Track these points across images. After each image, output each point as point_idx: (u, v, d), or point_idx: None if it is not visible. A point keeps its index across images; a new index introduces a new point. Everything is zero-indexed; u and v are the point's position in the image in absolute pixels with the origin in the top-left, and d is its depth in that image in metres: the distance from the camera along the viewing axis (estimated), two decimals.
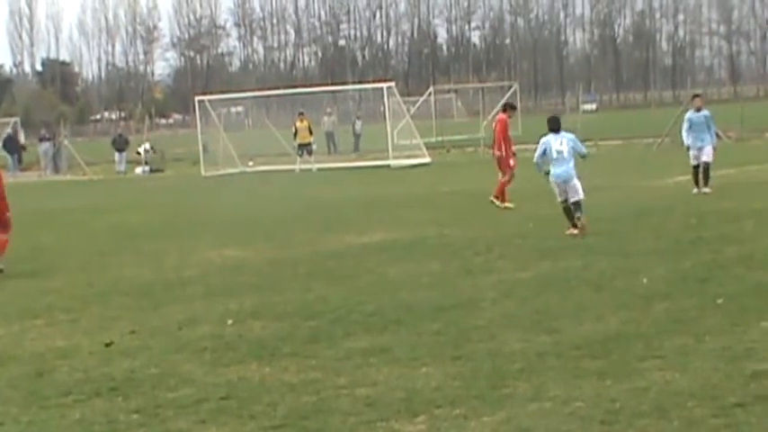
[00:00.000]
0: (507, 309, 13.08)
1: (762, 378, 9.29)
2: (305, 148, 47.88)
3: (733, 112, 56.43)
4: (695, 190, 25.71)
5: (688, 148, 26.47)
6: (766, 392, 8.88)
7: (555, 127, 20.53)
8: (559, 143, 20.30)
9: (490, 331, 11.79)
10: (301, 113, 49.96)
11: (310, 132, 48.55)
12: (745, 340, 10.70)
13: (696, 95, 28.30)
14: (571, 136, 20.81)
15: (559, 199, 20.40)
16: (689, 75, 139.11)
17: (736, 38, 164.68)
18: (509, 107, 27.59)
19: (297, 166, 47.06)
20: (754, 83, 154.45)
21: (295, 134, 48.39)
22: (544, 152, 20.39)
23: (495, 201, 25.26)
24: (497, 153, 26.21)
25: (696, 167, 26.04)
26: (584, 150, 21.01)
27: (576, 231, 19.69)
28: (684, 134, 26.52)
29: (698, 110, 26.49)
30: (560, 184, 20.24)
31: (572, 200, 20.07)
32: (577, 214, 19.84)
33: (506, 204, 25.11)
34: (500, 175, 25.96)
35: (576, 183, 20.15)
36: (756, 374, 9.41)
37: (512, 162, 25.99)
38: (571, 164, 20.23)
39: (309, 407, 9.31)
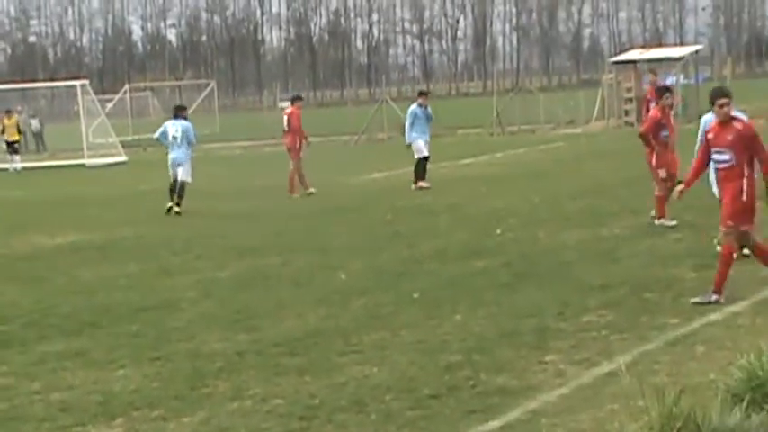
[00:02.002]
0: (206, 308, 13.00)
1: (455, 369, 9.53)
2: (14, 145, 46.47)
3: None
4: (425, 184, 26.27)
5: (410, 145, 27.15)
6: (459, 383, 9.12)
7: (176, 113, 24.24)
8: (175, 129, 23.75)
9: (189, 331, 11.69)
10: (9, 111, 48.51)
11: (19, 131, 47.23)
12: (439, 333, 10.96)
13: (423, 92, 29.25)
14: (187, 124, 23.97)
15: (172, 180, 23.65)
16: (383, 73, 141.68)
17: (428, 37, 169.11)
18: (298, 99, 27.94)
19: (13, 165, 45.53)
20: (446, 81, 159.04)
21: (2, 132, 46.88)
22: (164, 135, 23.88)
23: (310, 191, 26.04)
24: (290, 143, 26.47)
25: (424, 160, 26.71)
26: (193, 139, 24.15)
27: (178, 209, 23.11)
28: (408, 128, 27.11)
29: (420, 105, 27.28)
30: (174, 166, 23.64)
31: (181, 179, 23.45)
32: (179, 194, 23.31)
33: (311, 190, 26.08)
34: (292, 164, 26.46)
35: (187, 166, 23.70)
36: (450, 366, 9.65)
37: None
38: (183, 149, 23.69)
39: (1, 414, 9.00)
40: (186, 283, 14.78)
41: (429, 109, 27.42)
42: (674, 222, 17.06)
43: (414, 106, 27.53)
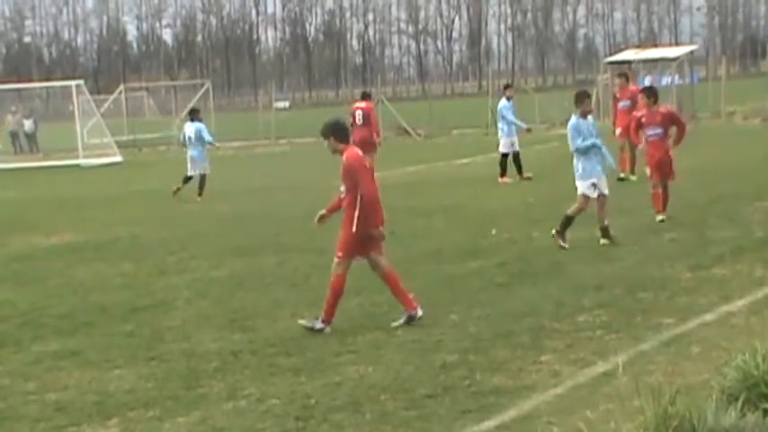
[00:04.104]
0: (202, 308, 12.99)
1: (450, 369, 9.54)
2: None
3: (422, 109, 57.93)
4: (508, 179, 26.37)
5: (529, 129, 28.41)
6: (454, 383, 9.12)
7: (193, 117, 27.26)
8: (191, 130, 26.51)
9: (185, 331, 11.69)
10: None
11: None
12: (434, 333, 10.96)
13: (509, 85, 29.15)
14: (201, 125, 26.76)
15: (188, 173, 26.32)
16: (379, 73, 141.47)
17: (423, 37, 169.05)
18: (369, 95, 29.21)
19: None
20: (441, 81, 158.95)
21: None
22: (183, 136, 26.84)
23: None
24: (367, 137, 26.42)
25: (506, 156, 26.75)
26: (207, 138, 26.75)
27: (199, 198, 25.30)
28: (515, 120, 27.11)
29: (509, 99, 27.32)
30: (191, 161, 26.24)
31: (200, 173, 26.05)
32: (200, 185, 25.75)
33: None
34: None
35: (204, 162, 26.24)
36: (445, 366, 9.65)
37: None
38: (199, 147, 26.36)
39: None
40: (181, 283, 14.78)
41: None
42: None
43: (504, 100, 27.53)
